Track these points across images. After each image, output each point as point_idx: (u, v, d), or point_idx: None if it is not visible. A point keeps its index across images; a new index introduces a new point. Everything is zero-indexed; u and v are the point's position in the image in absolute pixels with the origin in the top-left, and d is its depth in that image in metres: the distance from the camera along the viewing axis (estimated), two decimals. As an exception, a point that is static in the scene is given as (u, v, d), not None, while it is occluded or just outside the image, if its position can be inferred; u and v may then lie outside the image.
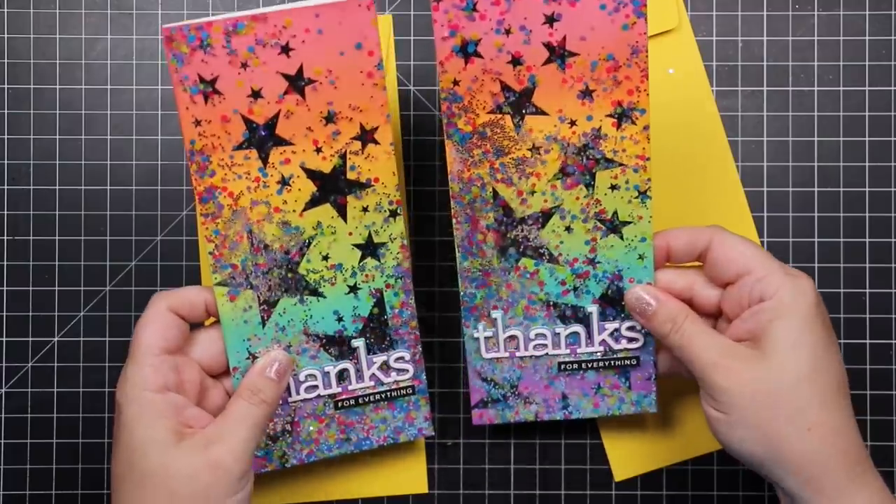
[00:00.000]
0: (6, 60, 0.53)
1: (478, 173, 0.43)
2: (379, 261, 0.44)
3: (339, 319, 0.45)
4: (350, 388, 0.46)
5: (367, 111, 0.42)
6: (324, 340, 0.45)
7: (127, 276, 0.53)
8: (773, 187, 0.53)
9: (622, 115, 0.42)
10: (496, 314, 0.45)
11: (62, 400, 0.53)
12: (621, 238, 0.44)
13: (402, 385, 0.46)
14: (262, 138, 0.42)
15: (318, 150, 0.42)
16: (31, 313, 0.53)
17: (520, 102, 0.42)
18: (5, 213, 0.53)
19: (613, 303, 0.45)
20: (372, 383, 0.46)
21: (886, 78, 0.54)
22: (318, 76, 0.41)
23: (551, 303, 0.45)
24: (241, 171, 0.42)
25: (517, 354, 0.46)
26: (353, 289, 0.44)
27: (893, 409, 0.53)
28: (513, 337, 0.46)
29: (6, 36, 0.53)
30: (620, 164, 0.43)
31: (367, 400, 0.46)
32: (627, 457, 0.53)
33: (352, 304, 0.44)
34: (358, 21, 0.41)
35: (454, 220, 0.44)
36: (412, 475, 0.53)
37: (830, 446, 0.40)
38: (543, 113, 0.42)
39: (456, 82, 0.42)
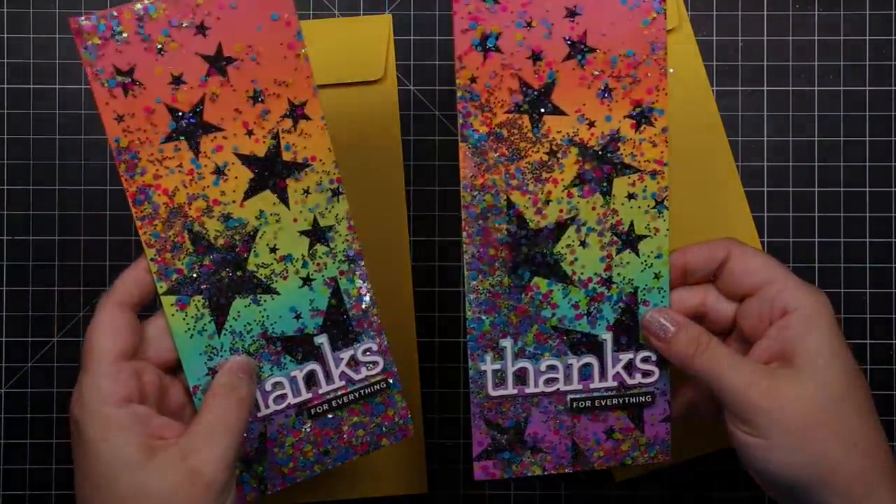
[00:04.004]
0: (6, 60, 0.53)
1: (492, 179, 0.41)
2: (328, 246, 0.42)
3: (297, 316, 0.42)
4: (321, 391, 0.43)
5: (294, 85, 0.41)
6: (285, 342, 0.42)
7: (127, 276, 0.53)
8: (773, 187, 0.53)
9: (641, 116, 0.41)
10: (505, 342, 0.43)
11: (62, 400, 0.53)
12: (637, 255, 0.42)
13: (374, 380, 0.44)
14: (191, 126, 0.40)
15: (250, 133, 0.41)
16: (30, 313, 0.53)
17: (538, 101, 0.41)
18: (5, 213, 0.53)
19: (628, 330, 0.43)
20: (343, 383, 0.43)
21: (886, 78, 0.54)
22: (239, 53, 0.40)
23: (563, 329, 0.43)
24: (172, 164, 0.40)
25: (526, 391, 0.43)
26: (307, 281, 0.42)
27: (894, 409, 0.53)
28: (522, 369, 0.43)
29: (6, 36, 0.53)
30: (638, 171, 0.42)
31: (340, 403, 0.43)
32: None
33: (308, 298, 0.42)
34: None
35: (464, 234, 0.42)
36: (412, 475, 0.53)
37: (874, 461, 0.38)
38: (562, 113, 0.41)
39: (473, 79, 0.41)
